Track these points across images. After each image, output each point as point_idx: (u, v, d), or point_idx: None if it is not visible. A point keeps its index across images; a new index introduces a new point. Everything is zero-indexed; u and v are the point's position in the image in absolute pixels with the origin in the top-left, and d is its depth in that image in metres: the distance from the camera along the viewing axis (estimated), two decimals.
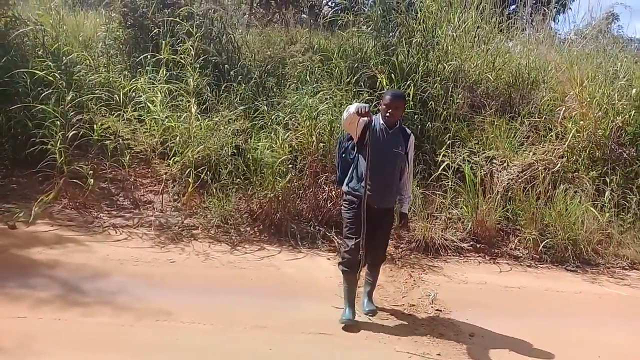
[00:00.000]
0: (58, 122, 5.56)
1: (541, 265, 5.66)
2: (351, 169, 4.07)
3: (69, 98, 5.69)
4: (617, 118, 6.65)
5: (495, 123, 6.54)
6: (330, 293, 4.39)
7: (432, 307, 4.43)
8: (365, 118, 3.77)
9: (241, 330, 3.75)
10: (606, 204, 6.10)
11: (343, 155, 4.18)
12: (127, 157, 5.76)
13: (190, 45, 6.24)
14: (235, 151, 5.90)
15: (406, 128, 4.19)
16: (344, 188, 4.09)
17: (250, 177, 5.73)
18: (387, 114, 3.96)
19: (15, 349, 3.24)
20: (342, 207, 4.11)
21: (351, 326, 3.94)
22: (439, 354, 3.71)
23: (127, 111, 5.84)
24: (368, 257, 3.99)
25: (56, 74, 5.79)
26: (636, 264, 5.86)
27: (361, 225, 3.81)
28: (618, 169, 6.45)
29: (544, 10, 8.73)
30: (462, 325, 4.18)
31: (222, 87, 6.39)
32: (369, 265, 4.15)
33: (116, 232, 5.25)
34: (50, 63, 5.93)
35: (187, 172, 5.65)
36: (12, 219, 5.16)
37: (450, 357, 3.71)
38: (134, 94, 6.07)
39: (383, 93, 4.36)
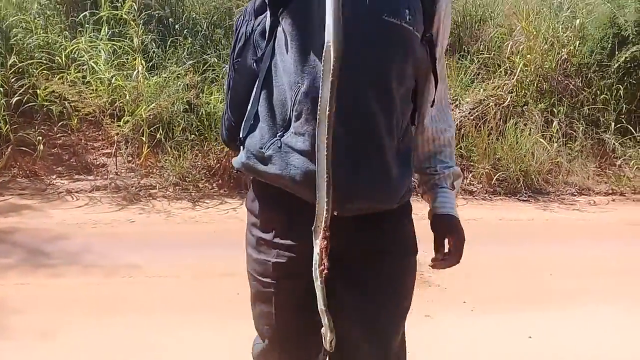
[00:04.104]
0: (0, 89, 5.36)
1: (495, 198, 5.87)
2: (253, 95, 1.44)
3: (10, 62, 5.45)
4: (563, 50, 6.81)
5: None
6: None
7: None
8: None
9: (209, 280, 3.80)
10: (554, 135, 6.32)
11: (238, 60, 1.52)
12: (75, 121, 5.61)
13: (132, 0, 6.02)
14: (187, 107, 5.80)
15: None
16: (236, 162, 1.53)
17: (205, 133, 5.67)
18: None
19: None
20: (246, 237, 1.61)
21: None
22: None
23: (70, 73, 5.64)
24: None
25: None
26: (584, 190, 6.14)
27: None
28: (565, 100, 6.65)
29: None
30: (420, 257, 4.31)
31: (169, 43, 6.22)
32: None
33: (72, 198, 5.15)
34: None
35: (139, 131, 5.55)
36: None
37: None
38: (76, 55, 5.85)
39: None
